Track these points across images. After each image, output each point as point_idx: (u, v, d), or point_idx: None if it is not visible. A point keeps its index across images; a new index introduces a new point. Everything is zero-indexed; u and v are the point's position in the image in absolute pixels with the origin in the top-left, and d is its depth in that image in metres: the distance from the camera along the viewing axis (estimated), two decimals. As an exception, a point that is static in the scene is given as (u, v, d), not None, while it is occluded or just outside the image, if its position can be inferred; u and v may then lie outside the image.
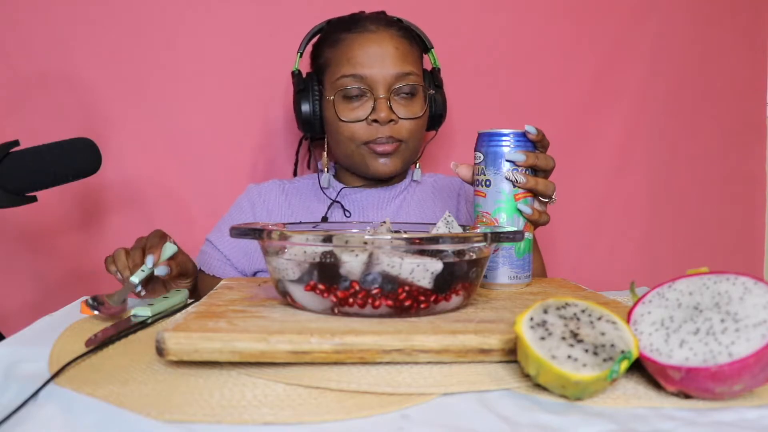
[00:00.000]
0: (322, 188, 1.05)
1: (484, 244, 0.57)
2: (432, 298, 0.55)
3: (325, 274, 0.55)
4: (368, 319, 0.54)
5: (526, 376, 0.46)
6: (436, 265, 0.54)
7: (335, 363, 0.49)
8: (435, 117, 1.04)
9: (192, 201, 1.20)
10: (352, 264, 0.54)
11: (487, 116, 1.27)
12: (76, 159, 0.79)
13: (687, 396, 0.44)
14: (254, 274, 1.02)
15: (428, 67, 1.07)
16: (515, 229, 0.69)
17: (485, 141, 0.73)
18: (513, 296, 0.69)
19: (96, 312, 0.63)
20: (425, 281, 0.54)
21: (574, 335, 0.45)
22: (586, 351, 0.43)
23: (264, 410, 0.42)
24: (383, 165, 0.98)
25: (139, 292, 0.75)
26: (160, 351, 0.48)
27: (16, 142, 0.75)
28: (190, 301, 0.76)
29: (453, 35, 1.24)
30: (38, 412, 0.42)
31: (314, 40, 1.06)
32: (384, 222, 0.68)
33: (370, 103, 0.95)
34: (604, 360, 0.43)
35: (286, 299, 0.59)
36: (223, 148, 1.21)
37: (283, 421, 0.41)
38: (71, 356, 0.51)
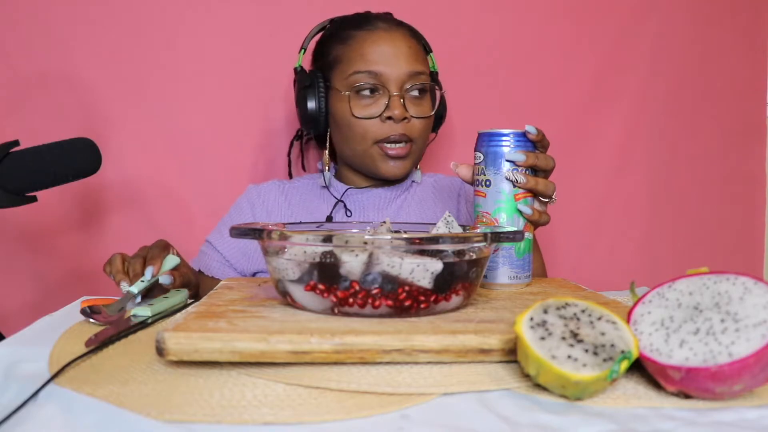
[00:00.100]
0: (327, 188, 1.04)
1: (484, 244, 0.57)
2: (432, 298, 0.55)
3: (325, 274, 0.55)
4: (368, 319, 0.54)
5: (526, 376, 0.46)
6: (436, 265, 0.54)
7: (335, 363, 0.49)
8: (437, 119, 1.05)
9: (192, 201, 1.20)
10: (352, 264, 0.54)
11: (487, 116, 1.27)
12: (76, 159, 0.79)
13: (687, 396, 0.44)
14: (253, 275, 1.02)
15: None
16: (515, 229, 0.69)
17: (485, 141, 0.73)
18: (513, 296, 0.69)
19: (91, 320, 0.63)
20: (425, 281, 0.54)
21: (574, 335, 0.45)
22: (586, 351, 0.43)
23: (264, 410, 0.42)
24: (394, 167, 0.97)
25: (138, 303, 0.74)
26: (160, 351, 0.48)
27: (16, 142, 0.75)
28: (190, 301, 0.76)
29: (453, 35, 1.24)
30: (38, 412, 0.42)
31: (317, 37, 1.06)
32: (384, 222, 0.68)
33: (383, 101, 0.95)
34: (604, 360, 0.43)
35: (286, 299, 0.59)
36: (223, 148, 1.21)
37: (283, 421, 0.41)
38: (71, 356, 0.51)
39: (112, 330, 0.59)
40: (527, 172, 0.72)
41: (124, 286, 0.72)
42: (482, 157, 0.73)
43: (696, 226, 1.39)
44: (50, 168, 0.77)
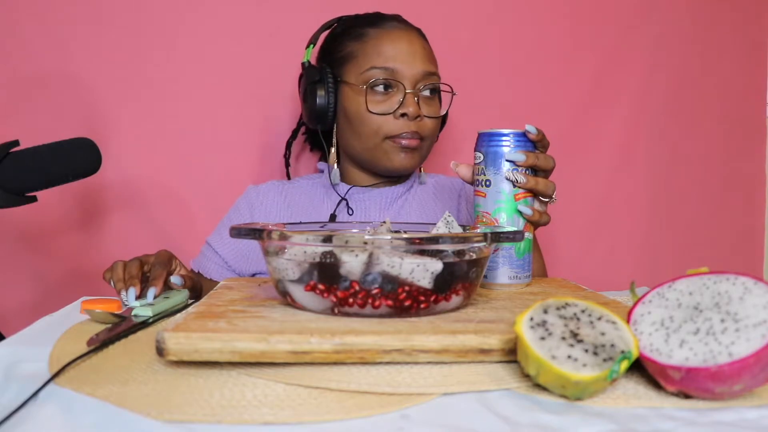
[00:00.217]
0: (335, 186, 1.04)
1: (484, 244, 0.57)
2: (432, 298, 0.55)
3: (325, 274, 0.55)
4: (368, 319, 0.54)
5: (526, 376, 0.46)
6: (436, 265, 0.54)
7: (335, 363, 0.49)
8: (442, 121, 1.05)
9: (192, 201, 1.20)
10: (352, 264, 0.54)
11: (487, 116, 1.27)
12: (76, 159, 0.79)
13: (687, 396, 0.44)
14: (252, 276, 1.02)
15: None
16: (515, 229, 0.69)
17: (485, 141, 0.73)
18: (513, 296, 0.69)
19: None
20: (425, 281, 0.54)
21: (574, 335, 0.45)
22: (586, 351, 0.43)
23: (264, 410, 0.42)
24: (404, 159, 0.97)
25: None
26: (160, 351, 0.48)
27: (16, 142, 0.75)
28: (190, 301, 0.76)
29: (453, 35, 1.24)
30: (38, 412, 0.42)
31: (325, 34, 1.06)
32: (384, 222, 0.68)
33: (397, 98, 0.95)
34: (604, 360, 0.43)
35: (286, 299, 0.59)
36: (223, 148, 1.21)
37: (283, 421, 0.41)
38: (71, 356, 0.51)
39: (113, 330, 0.59)
40: (527, 172, 0.72)
41: (124, 296, 0.72)
42: (482, 157, 0.73)
43: (696, 226, 1.39)
44: (50, 168, 0.77)
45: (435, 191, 1.08)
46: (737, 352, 0.40)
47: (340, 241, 0.53)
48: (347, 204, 1.02)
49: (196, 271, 1.04)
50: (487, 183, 0.73)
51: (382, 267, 0.53)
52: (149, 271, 0.77)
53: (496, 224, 0.73)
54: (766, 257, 1.44)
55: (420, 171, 1.08)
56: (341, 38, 1.01)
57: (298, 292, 0.57)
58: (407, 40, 0.97)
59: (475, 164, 0.75)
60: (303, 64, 1.02)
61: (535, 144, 0.73)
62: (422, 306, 0.55)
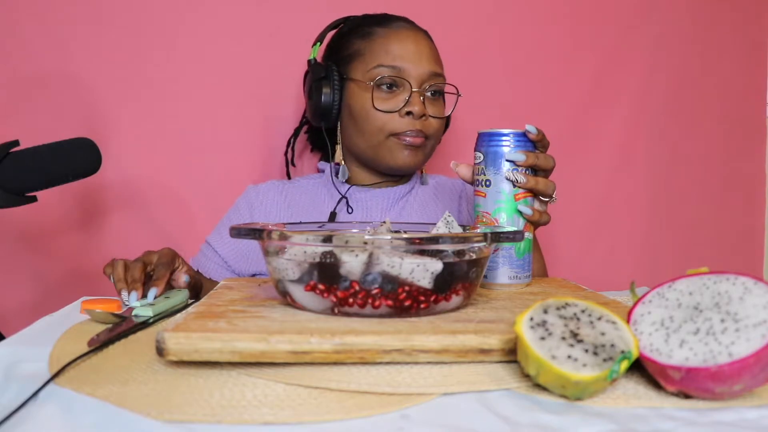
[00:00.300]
0: (342, 183, 1.04)
1: (484, 244, 0.57)
2: (432, 298, 0.55)
3: (325, 274, 0.55)
4: (368, 319, 0.54)
5: (526, 376, 0.46)
6: (436, 265, 0.54)
7: (335, 363, 0.49)
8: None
9: (192, 201, 1.20)
10: (352, 264, 0.54)
11: (487, 116, 1.27)
12: (76, 159, 0.79)
13: (687, 396, 0.44)
14: (252, 276, 1.02)
15: None
16: (515, 229, 0.69)
17: (485, 141, 0.73)
18: (513, 296, 0.69)
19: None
20: (425, 281, 0.54)
21: (574, 335, 0.45)
22: (586, 351, 0.43)
23: (264, 410, 0.42)
24: (407, 157, 0.97)
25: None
26: (160, 351, 0.48)
27: (16, 142, 0.75)
28: (190, 301, 0.76)
29: (453, 35, 1.24)
30: (38, 412, 0.42)
31: (331, 33, 1.06)
32: (384, 222, 0.68)
33: (403, 96, 0.96)
34: (604, 360, 0.43)
35: (286, 299, 0.59)
36: (223, 148, 1.21)
37: (283, 421, 0.41)
38: (71, 356, 0.51)
39: (113, 330, 0.59)
40: (527, 171, 0.72)
41: (125, 296, 0.71)
42: (482, 157, 0.73)
43: (696, 226, 1.39)
44: (50, 168, 0.77)
45: (436, 192, 1.08)
46: (737, 352, 0.40)
47: (340, 241, 0.53)
48: (347, 202, 1.02)
49: (196, 270, 1.04)
50: (487, 183, 0.73)
51: (382, 267, 0.53)
52: (153, 271, 0.77)
53: (496, 224, 0.73)
54: (766, 257, 1.44)
55: (422, 172, 1.08)
56: (348, 36, 1.01)
57: (298, 292, 0.57)
58: (414, 40, 0.98)
59: (475, 164, 0.75)
60: (309, 61, 1.03)
61: (535, 144, 0.73)
62: (422, 306, 0.55)
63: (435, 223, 0.71)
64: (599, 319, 0.46)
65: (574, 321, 0.46)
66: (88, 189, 1.15)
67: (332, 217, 1.00)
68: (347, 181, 1.05)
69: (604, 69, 1.33)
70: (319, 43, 1.04)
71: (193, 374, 0.48)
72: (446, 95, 1.03)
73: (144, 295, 0.72)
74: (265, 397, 0.44)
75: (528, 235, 0.74)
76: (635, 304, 0.49)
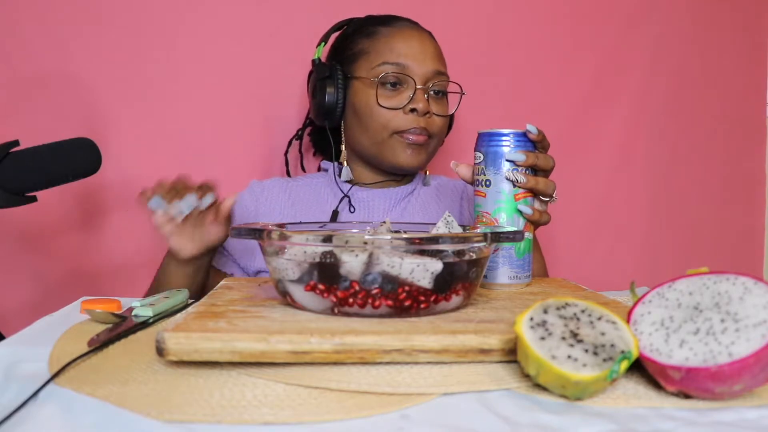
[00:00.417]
0: (337, 183, 1.04)
1: (484, 244, 0.57)
2: (432, 298, 0.55)
3: (325, 274, 0.55)
4: (368, 319, 0.54)
5: (526, 376, 0.46)
6: (436, 265, 0.54)
7: (335, 363, 0.49)
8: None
9: (192, 201, 1.20)
10: (352, 264, 0.54)
11: (487, 116, 1.27)
12: (76, 159, 0.79)
13: (687, 396, 0.44)
14: (257, 273, 1.02)
15: None
16: (515, 229, 0.69)
17: (485, 141, 0.73)
18: (513, 296, 0.69)
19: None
20: (425, 281, 0.54)
21: (574, 335, 0.45)
22: (586, 351, 0.43)
23: (264, 410, 0.42)
24: (410, 156, 0.98)
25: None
26: (160, 351, 0.48)
27: (16, 142, 0.75)
28: (190, 301, 0.76)
29: (453, 35, 1.23)
30: (38, 412, 0.42)
31: (335, 35, 1.06)
32: (384, 222, 0.68)
33: (407, 94, 0.96)
34: (604, 360, 0.43)
35: (286, 299, 0.59)
36: (223, 148, 1.21)
37: (283, 421, 0.41)
38: (71, 356, 0.51)
39: (114, 330, 0.59)
40: (527, 171, 0.72)
41: (176, 205, 0.77)
42: (482, 157, 0.73)
43: (696, 226, 1.39)
44: (50, 168, 0.77)
45: (437, 193, 1.08)
46: (737, 352, 0.40)
47: (340, 241, 0.53)
48: (349, 201, 1.02)
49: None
50: (487, 183, 0.73)
51: (382, 267, 0.53)
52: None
53: (496, 224, 0.73)
54: (766, 257, 1.44)
55: (425, 173, 1.09)
56: (353, 37, 1.02)
57: (298, 292, 0.57)
58: (419, 40, 0.98)
59: (475, 164, 0.75)
60: (313, 61, 1.03)
61: (536, 144, 0.73)
62: (422, 306, 0.55)
63: (435, 224, 0.71)
64: (599, 319, 0.46)
65: (574, 321, 0.46)
66: (88, 189, 1.15)
67: (334, 215, 1.00)
68: (350, 181, 1.05)
69: (604, 69, 1.33)
70: (323, 44, 1.05)
71: (193, 374, 0.48)
72: (449, 96, 1.03)
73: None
74: (265, 397, 0.44)
75: (528, 235, 0.74)
76: (635, 304, 0.49)
